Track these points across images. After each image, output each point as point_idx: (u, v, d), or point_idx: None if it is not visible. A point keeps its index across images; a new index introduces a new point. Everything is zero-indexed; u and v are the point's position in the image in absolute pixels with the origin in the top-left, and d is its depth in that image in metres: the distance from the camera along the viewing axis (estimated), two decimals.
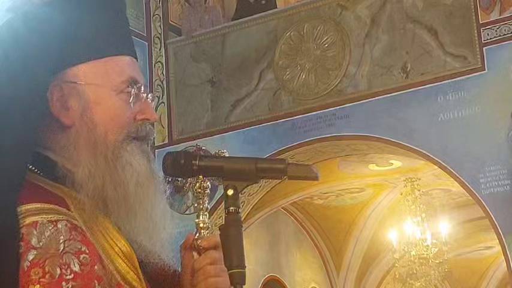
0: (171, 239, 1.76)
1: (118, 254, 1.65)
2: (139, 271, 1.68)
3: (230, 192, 1.57)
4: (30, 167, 1.66)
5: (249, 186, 9.08)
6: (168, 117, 9.42)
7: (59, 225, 1.57)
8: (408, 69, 8.39)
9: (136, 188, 1.70)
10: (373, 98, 8.47)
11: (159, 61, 9.62)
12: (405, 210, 11.05)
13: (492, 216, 7.85)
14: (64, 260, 1.54)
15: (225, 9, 10.54)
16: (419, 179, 10.77)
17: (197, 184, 1.76)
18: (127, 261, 1.65)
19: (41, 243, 1.54)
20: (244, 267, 1.53)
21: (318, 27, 8.91)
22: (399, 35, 8.48)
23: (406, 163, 10.06)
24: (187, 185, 1.79)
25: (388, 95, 8.41)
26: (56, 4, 1.68)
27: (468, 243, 13.14)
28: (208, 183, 1.77)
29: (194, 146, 8.86)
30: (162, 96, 9.48)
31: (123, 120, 1.72)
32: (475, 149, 7.99)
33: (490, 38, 8.06)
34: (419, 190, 10.90)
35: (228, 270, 1.55)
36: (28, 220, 1.55)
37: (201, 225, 1.78)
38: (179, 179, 1.76)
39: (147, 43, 9.56)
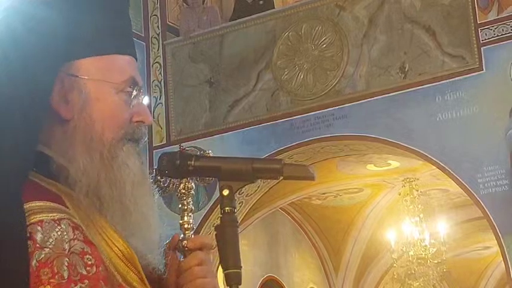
0: (161, 241, 1.75)
1: (117, 254, 1.63)
2: (142, 272, 1.66)
3: (226, 192, 1.56)
4: None
5: (247, 187, 9.08)
6: (166, 118, 9.42)
7: (62, 225, 1.55)
8: (406, 69, 8.39)
9: (132, 188, 1.69)
10: (371, 98, 8.48)
11: (157, 61, 9.62)
12: (403, 210, 11.05)
13: (490, 216, 7.86)
14: (71, 261, 1.52)
15: (223, 9, 10.54)
16: (418, 179, 10.78)
17: (181, 185, 1.76)
18: (127, 261, 1.64)
19: (47, 243, 1.52)
20: (240, 267, 1.53)
21: (316, 27, 8.91)
22: (397, 35, 8.49)
23: (404, 163, 10.07)
24: (170, 185, 1.78)
25: (386, 95, 8.41)
26: (54, 3, 1.67)
27: (466, 243, 13.15)
28: (192, 184, 1.76)
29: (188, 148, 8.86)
30: (160, 96, 9.48)
31: (121, 119, 1.71)
32: (473, 149, 7.99)
33: (488, 38, 8.07)
34: (417, 190, 10.90)
35: (224, 271, 1.54)
36: (33, 219, 1.53)
37: (186, 226, 1.78)
38: (162, 179, 1.76)
39: (145, 43, 9.56)
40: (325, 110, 8.67)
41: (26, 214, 1.53)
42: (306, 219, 12.08)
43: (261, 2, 9.82)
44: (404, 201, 11.02)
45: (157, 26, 9.74)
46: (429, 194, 11.32)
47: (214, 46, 9.43)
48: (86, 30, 1.70)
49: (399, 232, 11.00)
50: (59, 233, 1.54)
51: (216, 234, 1.56)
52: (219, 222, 1.57)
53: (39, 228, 1.53)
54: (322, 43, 8.86)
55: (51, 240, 1.52)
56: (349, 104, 8.57)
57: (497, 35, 8.04)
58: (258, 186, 9.34)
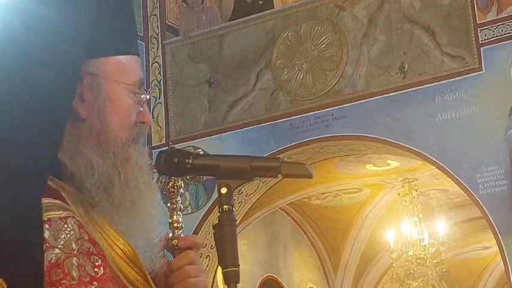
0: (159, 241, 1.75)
1: (118, 254, 1.62)
2: (145, 271, 1.65)
3: (224, 190, 1.56)
4: None
5: (247, 187, 9.08)
6: (165, 118, 9.42)
7: (69, 223, 1.54)
8: (406, 69, 8.39)
9: (145, 188, 1.70)
10: (371, 99, 8.48)
11: (157, 61, 9.61)
12: (403, 210, 11.05)
13: (489, 216, 7.86)
14: (80, 261, 1.51)
15: (223, 9, 10.54)
16: (417, 179, 10.78)
17: (170, 183, 1.76)
18: (128, 261, 1.63)
19: (56, 243, 1.51)
20: (238, 265, 1.53)
21: (316, 27, 8.91)
22: (397, 36, 8.49)
23: (403, 163, 10.07)
24: (159, 184, 1.79)
25: (386, 95, 8.41)
26: (58, 3, 1.67)
27: (465, 243, 13.15)
28: (181, 182, 1.76)
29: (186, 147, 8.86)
30: (160, 96, 9.48)
31: (131, 120, 1.72)
32: (472, 149, 7.99)
33: (488, 38, 8.07)
34: (416, 190, 10.90)
35: (222, 269, 1.54)
36: (43, 217, 1.52)
37: (175, 225, 1.78)
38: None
39: (144, 43, 9.56)
40: (325, 110, 8.66)
41: None
42: (305, 219, 12.08)
43: (260, 2, 9.82)
44: (404, 201, 11.02)
45: (157, 26, 9.74)
46: (428, 194, 11.32)
47: (214, 46, 9.43)
48: (102, 30, 1.70)
49: (398, 232, 10.99)
50: (66, 232, 1.53)
51: (214, 233, 1.56)
52: (217, 220, 1.57)
53: (47, 226, 1.51)
54: (321, 43, 8.86)
55: (59, 240, 1.51)
56: (349, 104, 8.57)
57: (497, 35, 8.04)
58: (257, 186, 9.34)
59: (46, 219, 1.52)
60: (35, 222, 1.50)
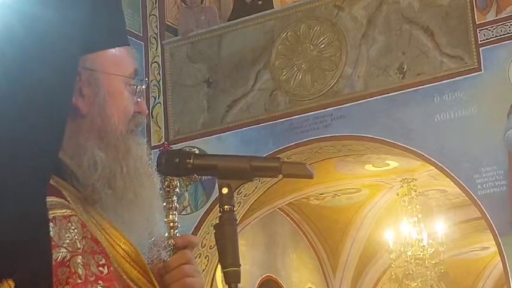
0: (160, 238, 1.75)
1: (120, 254, 1.62)
2: (149, 271, 1.64)
3: (225, 190, 1.56)
4: None
5: (245, 187, 9.08)
6: (164, 118, 9.42)
7: (73, 222, 1.53)
8: (405, 69, 8.39)
9: (146, 179, 1.70)
10: (370, 99, 8.48)
11: (156, 61, 9.61)
12: (401, 210, 11.06)
13: (488, 216, 7.86)
14: (85, 260, 1.51)
15: (222, 9, 10.54)
16: (416, 179, 10.78)
17: (166, 183, 1.76)
18: (131, 260, 1.62)
19: (62, 241, 1.50)
20: (239, 265, 1.53)
21: (315, 27, 8.91)
22: (395, 36, 8.49)
23: (402, 163, 10.07)
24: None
25: (385, 96, 8.42)
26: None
27: (464, 243, 13.15)
28: (177, 182, 1.76)
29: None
30: (159, 96, 9.48)
31: (130, 112, 1.73)
32: (471, 150, 7.99)
33: (487, 39, 8.07)
34: (415, 191, 10.91)
35: (222, 269, 1.54)
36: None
37: (171, 224, 1.78)
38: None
39: (143, 43, 9.56)
40: (324, 110, 8.67)
41: None
42: (304, 220, 12.08)
43: (259, 2, 9.81)
44: (403, 202, 11.02)
45: (156, 26, 9.74)
46: (427, 194, 11.33)
47: (213, 46, 9.43)
48: (96, 25, 1.70)
49: (397, 232, 11.00)
50: (71, 230, 1.52)
51: (215, 233, 1.56)
52: (218, 220, 1.57)
53: (52, 225, 1.51)
54: (320, 43, 8.86)
55: (64, 238, 1.51)
56: (348, 104, 8.57)
57: (496, 36, 8.05)
58: (256, 186, 9.34)
59: (51, 217, 1.51)
60: (42, 221, 1.49)
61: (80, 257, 1.50)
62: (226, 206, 1.56)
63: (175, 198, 1.79)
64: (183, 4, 10.04)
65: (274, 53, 9.04)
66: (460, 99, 8.11)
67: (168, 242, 1.75)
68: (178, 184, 1.77)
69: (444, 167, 8.14)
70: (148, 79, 9.47)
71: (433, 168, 8.45)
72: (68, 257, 1.49)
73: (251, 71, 9.13)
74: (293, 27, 9.05)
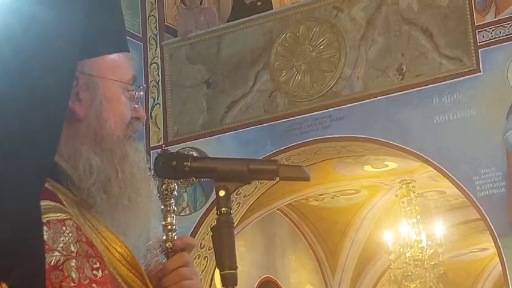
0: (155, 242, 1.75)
1: (116, 257, 1.62)
2: (143, 274, 1.64)
3: (222, 193, 1.57)
4: None
5: (244, 188, 9.08)
6: (163, 119, 9.42)
7: (67, 225, 1.53)
8: (404, 71, 8.39)
9: (142, 185, 1.70)
10: (369, 100, 8.48)
11: (155, 62, 9.61)
12: (400, 211, 11.06)
13: (487, 218, 7.86)
14: (79, 263, 1.50)
15: (221, 10, 10.55)
16: (415, 180, 10.78)
17: (164, 185, 1.76)
18: (126, 263, 1.62)
19: (55, 245, 1.50)
20: (236, 268, 1.53)
21: (314, 29, 8.92)
22: (395, 37, 8.49)
23: (401, 165, 10.07)
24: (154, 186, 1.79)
25: (384, 97, 8.42)
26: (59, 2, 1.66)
27: (463, 245, 13.16)
28: (175, 185, 1.76)
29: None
30: (158, 97, 9.48)
31: (127, 118, 1.73)
32: (470, 151, 7.99)
33: (485, 40, 8.07)
34: (414, 192, 10.91)
35: (220, 272, 1.54)
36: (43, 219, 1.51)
37: (169, 227, 1.78)
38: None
39: (142, 44, 9.56)
40: (323, 111, 8.67)
41: None
42: (303, 221, 12.08)
43: (258, 3, 9.81)
44: (401, 203, 11.02)
45: (155, 27, 9.74)
46: (426, 195, 11.33)
47: (212, 47, 9.43)
48: (94, 30, 1.70)
49: (396, 234, 11.00)
50: (65, 234, 1.52)
51: (212, 235, 1.56)
52: (215, 223, 1.57)
53: (46, 229, 1.51)
54: (319, 44, 8.86)
55: (58, 242, 1.51)
56: (347, 106, 8.57)
57: (495, 37, 8.05)
58: (255, 187, 9.34)
59: (45, 221, 1.51)
60: (36, 225, 1.49)
61: (74, 260, 1.50)
62: (223, 209, 1.56)
63: (173, 201, 1.78)
64: (182, 5, 10.04)
65: (274, 54, 9.04)
66: (459, 101, 8.12)
67: (166, 245, 1.75)
68: (176, 187, 1.76)
69: (443, 168, 8.14)
70: (148, 80, 9.47)
71: (432, 169, 8.45)
72: (61, 261, 1.49)
73: (250, 72, 9.13)
74: (292, 28, 9.05)
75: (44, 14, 1.61)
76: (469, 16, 8.18)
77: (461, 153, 8.02)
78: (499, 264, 8.09)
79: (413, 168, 10.22)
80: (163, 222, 1.78)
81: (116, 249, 1.63)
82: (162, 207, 1.80)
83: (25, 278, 1.45)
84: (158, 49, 9.64)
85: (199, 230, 8.91)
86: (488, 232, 7.97)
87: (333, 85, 8.70)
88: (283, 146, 8.81)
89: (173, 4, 10.06)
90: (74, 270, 1.49)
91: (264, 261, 11.45)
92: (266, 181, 8.78)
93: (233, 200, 8.40)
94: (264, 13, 9.39)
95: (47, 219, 1.52)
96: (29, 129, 1.55)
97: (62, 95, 1.61)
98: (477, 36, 8.10)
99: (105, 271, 1.54)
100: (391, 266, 11.13)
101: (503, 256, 7.77)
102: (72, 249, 1.51)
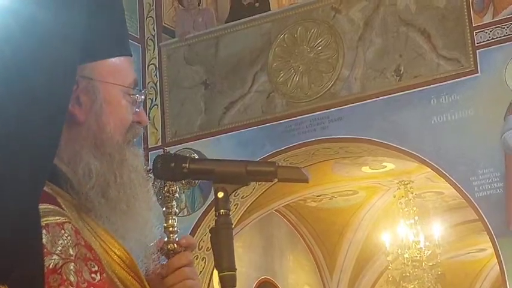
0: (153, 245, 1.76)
1: (115, 260, 1.62)
2: (142, 277, 1.64)
3: (220, 195, 1.57)
4: None
5: (243, 189, 9.07)
6: (161, 120, 9.42)
7: (66, 229, 1.53)
8: (401, 72, 8.40)
9: (140, 190, 1.70)
10: (367, 101, 8.48)
11: (153, 63, 9.61)
12: (398, 212, 11.06)
13: (485, 218, 7.86)
14: (78, 267, 1.50)
15: (219, 11, 10.55)
16: (413, 181, 10.78)
17: (165, 188, 1.76)
18: (125, 266, 1.62)
19: (54, 249, 1.50)
20: (234, 269, 1.53)
21: (312, 30, 8.92)
22: (392, 38, 8.50)
23: (399, 166, 10.07)
24: (154, 188, 1.79)
25: (382, 98, 8.42)
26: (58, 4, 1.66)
27: (461, 245, 13.16)
28: (176, 187, 1.76)
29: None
30: (156, 98, 9.48)
31: (127, 122, 1.73)
32: (468, 152, 8.00)
33: (483, 41, 8.08)
34: (412, 193, 10.91)
35: (218, 273, 1.55)
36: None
37: (170, 229, 1.78)
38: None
39: (140, 45, 9.56)
40: (321, 112, 8.67)
41: None
42: (301, 222, 12.08)
43: (256, 4, 9.82)
44: (399, 204, 11.02)
45: (153, 28, 9.74)
46: (424, 196, 11.33)
47: (210, 48, 9.43)
48: (95, 33, 1.70)
49: (394, 234, 11.00)
50: (63, 237, 1.52)
51: (210, 237, 1.56)
52: (213, 224, 1.58)
53: (45, 232, 1.51)
54: (317, 45, 8.86)
55: (57, 246, 1.51)
56: (345, 107, 8.58)
57: (493, 38, 8.06)
58: (254, 188, 9.34)
59: (43, 225, 1.51)
60: (35, 228, 1.49)
61: (73, 263, 1.50)
62: (221, 210, 1.56)
63: (175, 203, 1.78)
64: (180, 6, 10.04)
65: (271, 55, 9.04)
66: (457, 102, 8.12)
67: (167, 247, 1.75)
68: (178, 189, 1.76)
69: (441, 169, 8.14)
70: (146, 81, 9.47)
71: (430, 170, 8.45)
72: (60, 264, 1.49)
73: (248, 73, 9.13)
74: (290, 29, 9.05)
75: (43, 16, 1.61)
76: (466, 17, 8.18)
77: (459, 154, 8.03)
78: (497, 265, 8.10)
79: (411, 169, 10.23)
80: (165, 224, 1.79)
81: (114, 252, 1.63)
82: (164, 209, 1.80)
83: (24, 281, 1.45)
84: (156, 50, 9.64)
85: (198, 231, 8.91)
86: (486, 233, 7.97)
87: (331, 86, 8.70)
88: (281, 147, 8.81)
89: (171, 5, 10.06)
90: (72, 273, 1.49)
91: (262, 262, 11.45)
92: (264, 182, 8.78)
93: (231, 201, 8.38)
94: (261, 14, 9.39)
95: (45, 222, 1.52)
96: (28, 130, 1.54)
97: (61, 97, 1.61)
98: (475, 37, 8.11)
99: (104, 274, 1.54)
100: (389, 267, 11.13)
101: (501, 257, 7.77)
102: (71, 252, 1.51)
